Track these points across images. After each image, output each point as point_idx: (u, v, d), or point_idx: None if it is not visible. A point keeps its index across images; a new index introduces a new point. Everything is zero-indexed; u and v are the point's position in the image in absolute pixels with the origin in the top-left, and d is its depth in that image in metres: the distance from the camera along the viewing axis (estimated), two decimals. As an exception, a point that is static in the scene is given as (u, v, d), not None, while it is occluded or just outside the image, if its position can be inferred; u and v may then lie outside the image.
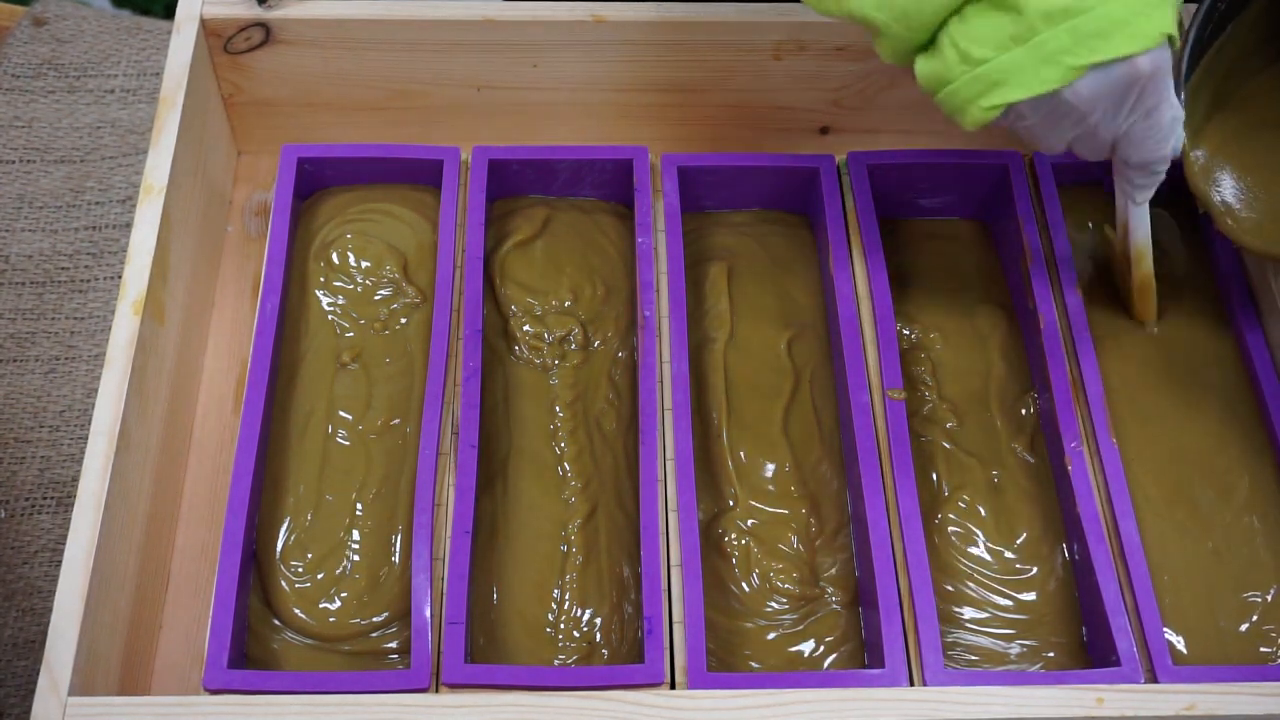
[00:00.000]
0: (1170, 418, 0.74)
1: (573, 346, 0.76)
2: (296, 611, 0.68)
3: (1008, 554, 0.70)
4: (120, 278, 0.78)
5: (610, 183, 0.81)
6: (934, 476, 0.72)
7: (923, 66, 0.62)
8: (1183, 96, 0.71)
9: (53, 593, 0.66)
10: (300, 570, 0.69)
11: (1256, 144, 0.73)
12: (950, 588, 0.69)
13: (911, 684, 0.64)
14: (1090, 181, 0.82)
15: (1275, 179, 0.73)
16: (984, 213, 0.82)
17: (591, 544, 0.70)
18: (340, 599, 0.68)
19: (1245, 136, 0.73)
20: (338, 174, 0.81)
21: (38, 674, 0.59)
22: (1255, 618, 0.68)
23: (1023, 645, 0.68)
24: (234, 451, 0.70)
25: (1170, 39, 0.59)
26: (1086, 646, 0.68)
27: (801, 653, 0.68)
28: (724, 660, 0.67)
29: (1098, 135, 0.63)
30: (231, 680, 0.63)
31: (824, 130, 0.85)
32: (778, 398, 0.75)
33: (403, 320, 0.76)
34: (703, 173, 0.80)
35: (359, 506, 0.71)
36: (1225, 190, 0.73)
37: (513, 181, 0.81)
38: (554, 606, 0.68)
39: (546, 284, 0.78)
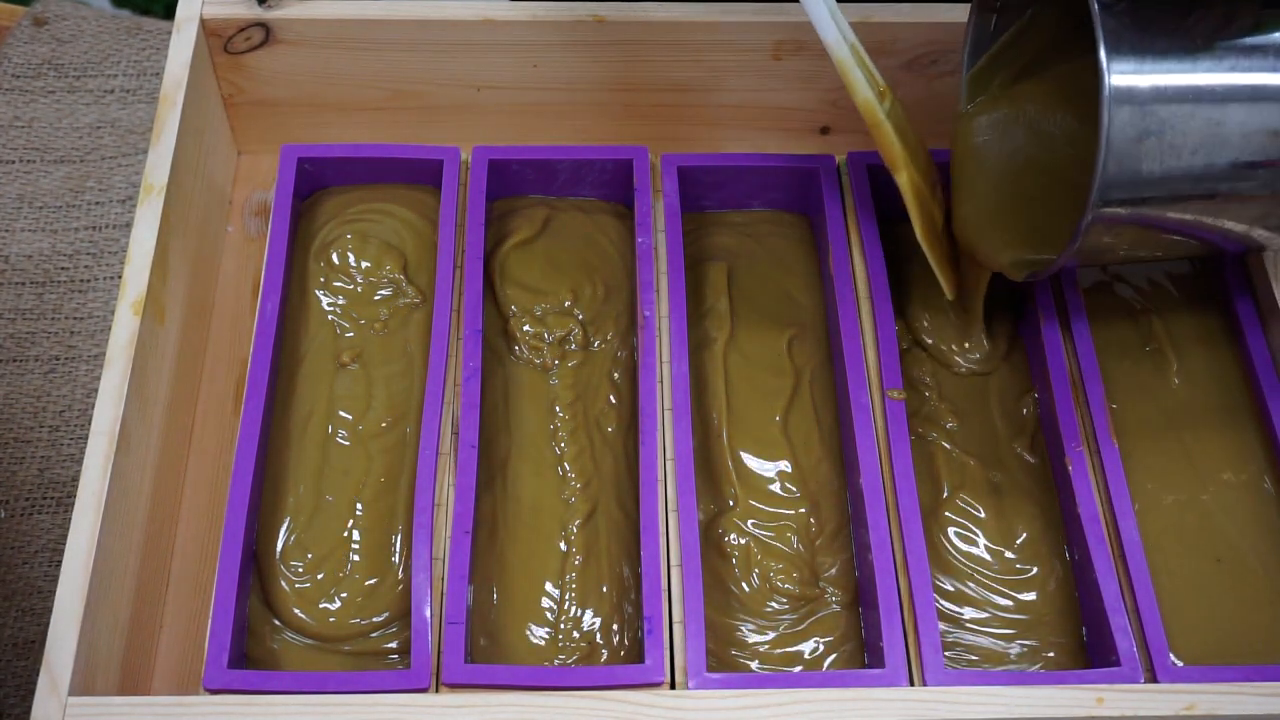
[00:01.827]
0: (1171, 419, 0.74)
1: (573, 346, 0.76)
2: (296, 611, 0.68)
3: (1008, 554, 0.70)
4: (120, 278, 0.78)
5: (610, 183, 0.81)
6: (934, 476, 0.72)
7: None
8: (962, 78, 0.72)
9: (53, 593, 0.66)
10: (300, 570, 0.69)
11: (1005, 141, 0.72)
12: (950, 588, 0.69)
13: (911, 684, 0.64)
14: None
15: (1001, 181, 0.72)
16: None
17: (591, 544, 0.70)
18: (340, 599, 0.68)
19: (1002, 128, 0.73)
20: (338, 174, 0.81)
21: (38, 674, 0.59)
22: (1255, 617, 0.68)
23: (1023, 645, 0.68)
24: (234, 451, 0.70)
25: None
26: (1086, 646, 0.68)
27: (801, 653, 0.68)
28: (724, 660, 0.67)
29: None
30: (231, 680, 0.63)
31: (824, 130, 0.85)
32: (778, 398, 0.75)
33: (403, 320, 0.77)
34: (703, 173, 0.80)
35: (359, 506, 0.71)
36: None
37: (513, 181, 0.81)
38: (554, 606, 0.68)
39: (546, 284, 0.78)
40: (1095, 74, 0.60)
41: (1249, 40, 0.62)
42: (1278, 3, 0.63)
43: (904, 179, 0.70)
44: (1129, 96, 0.60)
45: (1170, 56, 0.61)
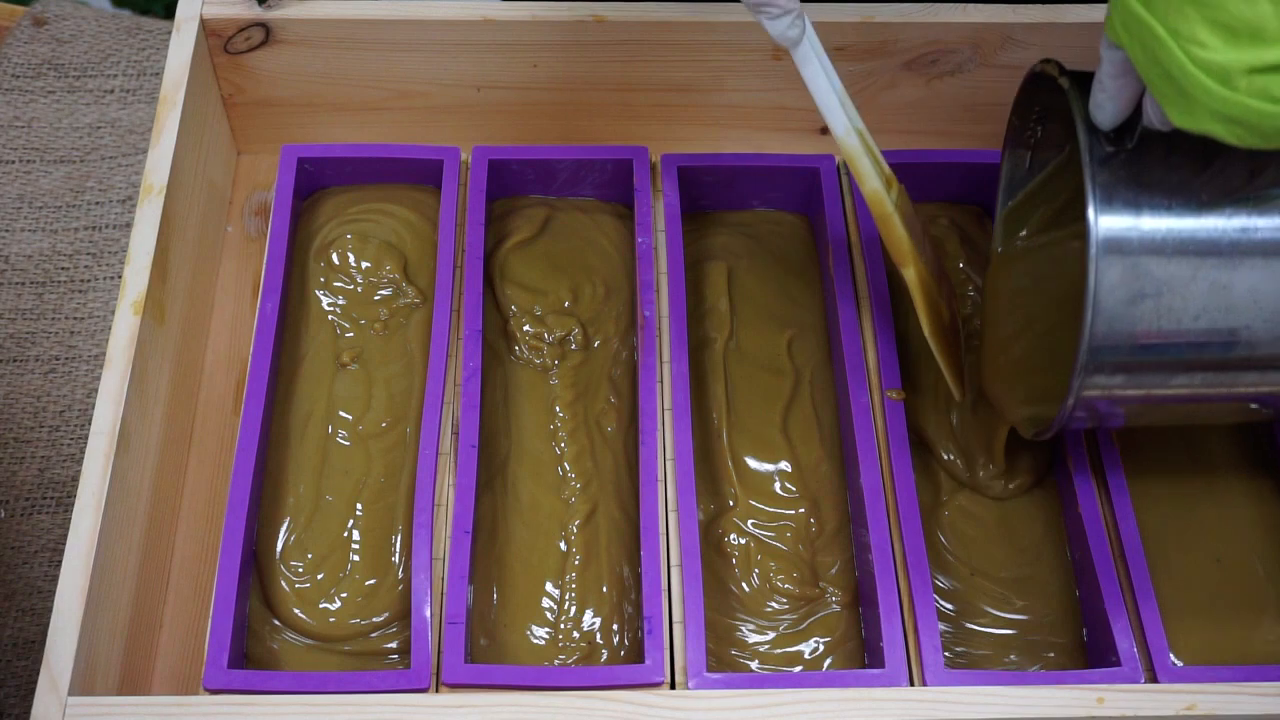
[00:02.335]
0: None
1: (573, 346, 0.76)
2: (296, 612, 0.68)
3: (1008, 554, 0.70)
4: (120, 278, 0.78)
5: (610, 183, 0.81)
6: (934, 476, 0.72)
7: None
8: (997, 215, 0.68)
9: (53, 593, 0.66)
10: (300, 570, 0.69)
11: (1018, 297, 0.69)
12: (950, 587, 0.69)
13: (911, 684, 0.64)
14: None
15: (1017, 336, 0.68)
16: (987, 209, 0.82)
17: (591, 544, 0.70)
18: (340, 599, 0.68)
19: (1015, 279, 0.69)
20: (338, 174, 0.81)
21: (38, 674, 0.59)
22: (1255, 618, 0.68)
23: (1023, 645, 0.68)
24: (234, 451, 0.70)
25: None
26: (1086, 646, 0.68)
27: (801, 653, 0.68)
28: (724, 660, 0.67)
29: None
30: (231, 680, 0.63)
31: (824, 130, 0.85)
32: (778, 398, 0.75)
33: (403, 321, 0.76)
34: (703, 173, 0.80)
35: (359, 506, 0.71)
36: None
37: (513, 181, 0.81)
38: (554, 606, 0.68)
39: (546, 284, 0.78)
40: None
41: (1262, 197, 0.57)
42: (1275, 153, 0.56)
43: (911, 274, 0.68)
44: (1120, 249, 0.56)
45: (1170, 212, 0.56)
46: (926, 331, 0.68)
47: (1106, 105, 0.57)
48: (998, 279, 0.70)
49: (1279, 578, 0.70)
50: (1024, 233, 0.68)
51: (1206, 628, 0.68)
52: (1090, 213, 0.56)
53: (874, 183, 0.67)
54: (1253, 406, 0.62)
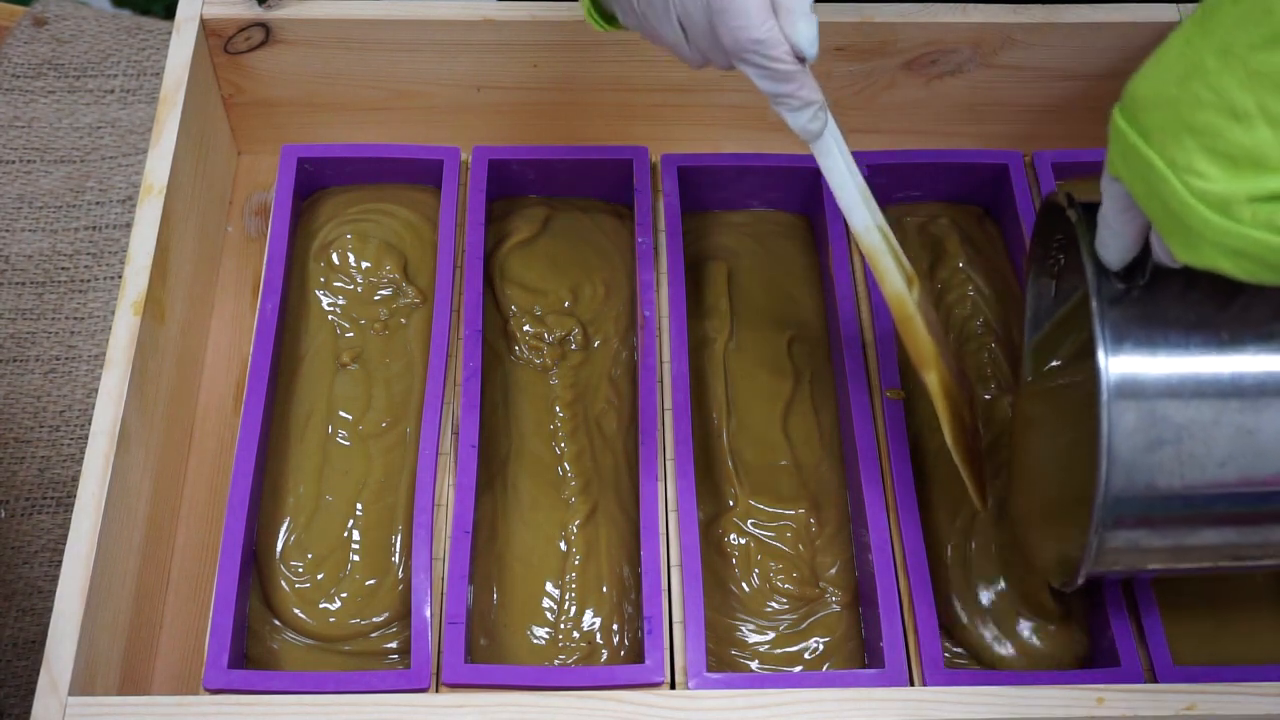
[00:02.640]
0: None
1: (573, 346, 0.76)
2: (296, 612, 0.68)
3: (1009, 555, 0.70)
4: (120, 278, 0.78)
5: (610, 183, 0.81)
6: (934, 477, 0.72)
7: None
8: (1025, 349, 0.65)
9: (53, 593, 0.66)
10: (300, 570, 0.69)
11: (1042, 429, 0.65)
12: (950, 588, 0.69)
13: (911, 684, 0.64)
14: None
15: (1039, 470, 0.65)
16: (987, 209, 0.82)
17: (591, 544, 0.70)
18: (340, 599, 0.68)
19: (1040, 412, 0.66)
20: (338, 174, 0.81)
21: (38, 674, 0.59)
22: (1255, 618, 0.68)
23: (1022, 645, 0.68)
24: (234, 451, 0.70)
25: None
26: (1086, 647, 0.68)
27: (801, 653, 0.68)
28: (724, 660, 0.67)
29: (686, 7, 0.55)
30: (231, 680, 0.63)
31: (824, 130, 0.85)
32: (778, 398, 0.74)
33: (403, 320, 0.76)
34: (703, 173, 0.80)
35: (359, 507, 0.71)
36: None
37: (513, 181, 0.81)
38: (554, 606, 0.68)
39: (546, 284, 0.78)
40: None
41: (1277, 328, 0.53)
42: None
43: (934, 379, 0.64)
44: (1134, 393, 0.52)
45: (1187, 351, 0.53)
46: (949, 439, 0.65)
47: (1112, 243, 0.54)
48: (1027, 411, 0.67)
49: (1279, 577, 0.69)
50: (1052, 364, 0.65)
51: (1206, 628, 0.68)
52: (1100, 354, 0.53)
53: (897, 284, 0.63)
54: None
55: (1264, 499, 0.54)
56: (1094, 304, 0.54)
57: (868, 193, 0.62)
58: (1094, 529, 0.54)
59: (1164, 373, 0.53)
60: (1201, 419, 0.53)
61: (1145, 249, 0.54)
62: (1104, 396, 0.53)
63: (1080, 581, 0.58)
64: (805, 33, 0.55)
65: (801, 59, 0.56)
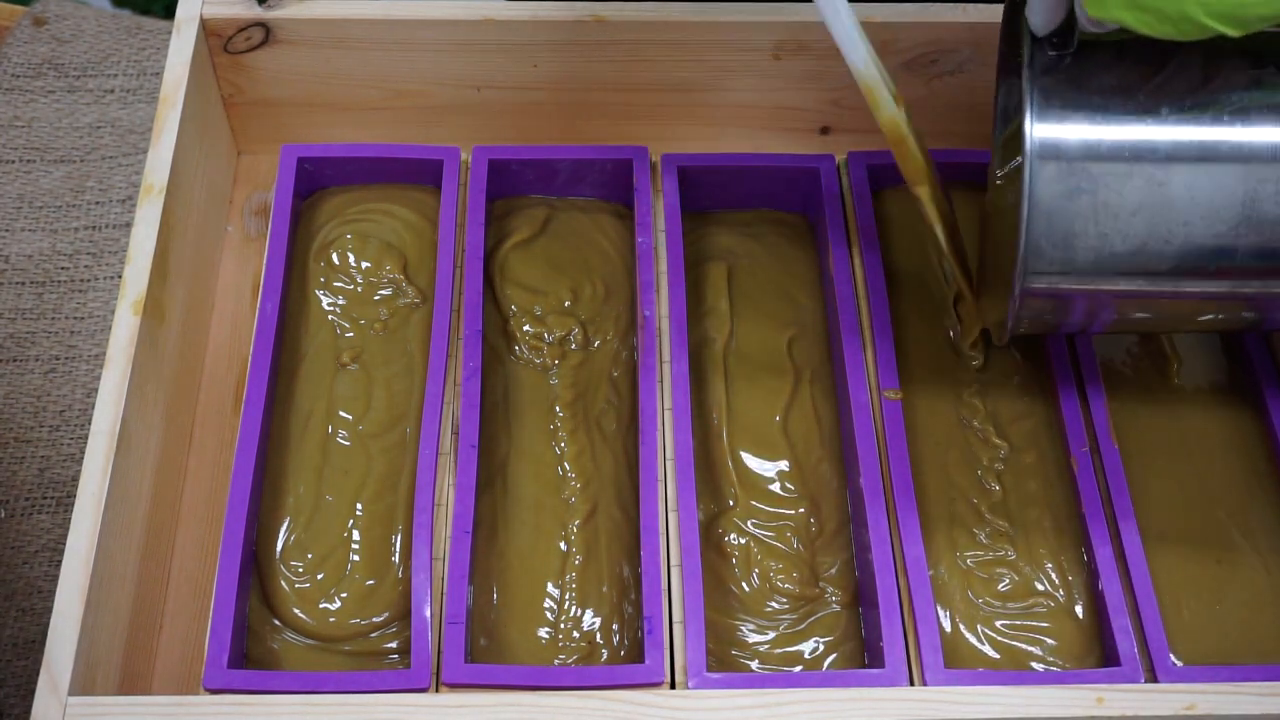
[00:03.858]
0: (1171, 419, 0.74)
1: (573, 346, 0.76)
2: (296, 611, 0.68)
3: (1009, 555, 0.70)
4: (120, 278, 0.78)
5: (610, 183, 0.81)
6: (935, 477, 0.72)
7: None
8: (994, 144, 0.70)
9: (53, 593, 0.66)
10: (300, 570, 0.69)
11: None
12: (950, 588, 0.69)
13: (911, 684, 0.64)
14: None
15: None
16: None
17: (591, 544, 0.70)
18: (340, 599, 0.68)
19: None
20: (338, 174, 0.81)
21: (38, 674, 0.59)
22: (1255, 617, 0.68)
23: (1024, 645, 0.68)
24: (234, 451, 0.70)
25: None
26: (1086, 646, 0.68)
27: (801, 653, 0.68)
28: (724, 660, 0.67)
29: None
30: (231, 680, 0.63)
31: (824, 130, 0.85)
32: (778, 398, 0.75)
33: (403, 320, 0.76)
34: (703, 173, 0.80)
35: (359, 506, 0.71)
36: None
37: (513, 181, 0.81)
38: (554, 606, 0.68)
39: (546, 284, 0.78)
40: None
41: (1198, 96, 0.59)
42: (1232, 59, 0.60)
43: (925, 191, 0.69)
44: (1055, 150, 0.58)
45: (1106, 113, 0.59)
46: (943, 241, 0.70)
47: (1037, 6, 0.59)
48: (994, 202, 0.71)
49: (1279, 577, 0.70)
50: (1012, 158, 0.70)
51: (1206, 628, 0.68)
52: (1026, 115, 0.59)
53: (891, 109, 0.66)
54: (1205, 315, 0.64)
55: (1168, 245, 0.59)
56: (1025, 68, 0.60)
57: (859, 27, 0.65)
58: (1018, 268, 0.60)
59: (1082, 132, 0.59)
60: (1116, 171, 0.59)
61: (1071, 16, 0.59)
62: (1028, 146, 0.59)
63: (1011, 328, 0.63)
64: None
65: None
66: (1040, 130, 0.59)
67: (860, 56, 0.65)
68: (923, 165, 0.68)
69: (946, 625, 0.68)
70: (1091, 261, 0.60)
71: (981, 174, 0.80)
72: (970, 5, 0.79)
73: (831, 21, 0.64)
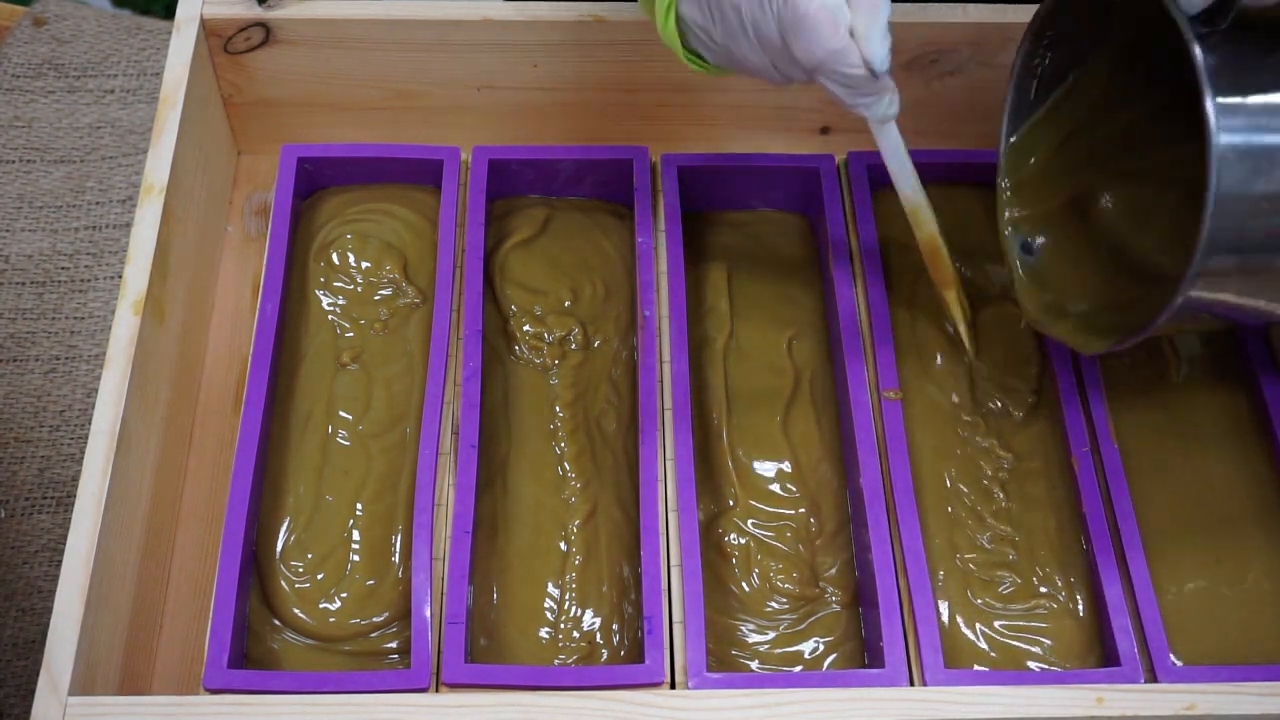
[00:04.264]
0: (1171, 419, 0.74)
1: (573, 346, 0.76)
2: (296, 611, 0.68)
3: (1010, 556, 0.70)
4: (120, 278, 0.78)
5: (610, 183, 0.81)
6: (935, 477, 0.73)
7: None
8: (1002, 148, 0.69)
9: (53, 593, 0.66)
10: (300, 570, 0.69)
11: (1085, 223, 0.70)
12: (951, 588, 0.69)
13: (911, 684, 0.64)
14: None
15: (1089, 264, 0.69)
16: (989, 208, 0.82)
17: (591, 544, 0.70)
18: (340, 599, 0.68)
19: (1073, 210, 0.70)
20: (338, 174, 0.81)
21: (38, 674, 0.59)
22: (1255, 618, 0.68)
23: (1023, 645, 0.68)
24: (234, 451, 0.70)
25: None
26: (1086, 646, 0.68)
27: (801, 653, 0.68)
28: (724, 660, 0.67)
29: (762, 30, 0.59)
30: (231, 680, 0.63)
31: (824, 130, 0.85)
32: (778, 398, 0.75)
33: (403, 320, 0.76)
34: (703, 173, 0.80)
35: (359, 506, 0.71)
36: (1033, 251, 0.70)
37: (513, 181, 0.81)
38: (554, 606, 0.68)
39: (546, 284, 0.78)
40: (1175, 125, 0.56)
41: None
42: None
43: (952, 295, 0.73)
44: (1238, 135, 0.55)
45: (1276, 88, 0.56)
46: (964, 335, 0.74)
47: None
48: (1034, 204, 0.70)
49: (1279, 577, 0.70)
50: (1039, 158, 0.70)
51: (1206, 628, 0.68)
52: (1206, 92, 0.55)
53: (931, 226, 0.71)
54: None
55: None
56: (1189, 42, 0.56)
57: (910, 158, 0.68)
58: (1198, 252, 0.56)
59: (1257, 105, 0.56)
60: None
61: None
62: (1212, 130, 0.55)
63: (1165, 321, 0.59)
64: (878, 50, 0.59)
65: (874, 72, 0.59)
66: (1224, 115, 0.55)
67: (910, 184, 0.69)
68: (953, 273, 0.72)
69: (946, 625, 0.68)
70: (1266, 253, 0.58)
71: (981, 173, 0.80)
72: (970, 5, 0.79)
73: (889, 156, 0.67)
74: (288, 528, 0.70)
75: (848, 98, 0.61)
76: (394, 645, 0.67)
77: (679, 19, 0.62)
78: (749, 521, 0.71)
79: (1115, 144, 0.68)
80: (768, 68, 0.61)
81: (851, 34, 0.58)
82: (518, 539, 0.70)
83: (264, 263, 0.76)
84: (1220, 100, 0.55)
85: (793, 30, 0.58)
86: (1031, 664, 0.67)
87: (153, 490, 0.69)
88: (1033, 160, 0.70)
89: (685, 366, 0.72)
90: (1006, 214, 0.71)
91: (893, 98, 0.62)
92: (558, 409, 0.74)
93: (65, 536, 0.68)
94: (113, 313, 0.72)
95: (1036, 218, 0.70)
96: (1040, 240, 0.70)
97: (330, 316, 0.77)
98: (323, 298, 0.77)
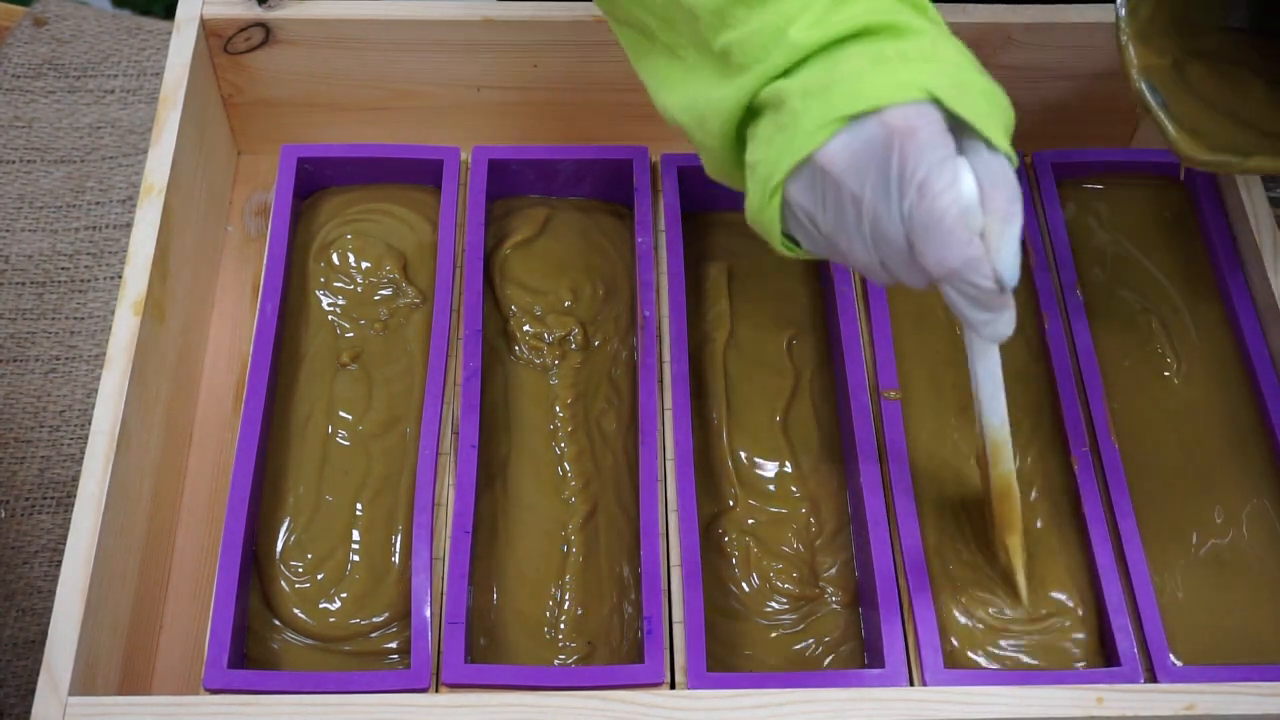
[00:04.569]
0: (1171, 419, 0.74)
1: (573, 346, 0.76)
2: (296, 611, 0.68)
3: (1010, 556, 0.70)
4: (120, 278, 0.78)
5: (610, 183, 0.81)
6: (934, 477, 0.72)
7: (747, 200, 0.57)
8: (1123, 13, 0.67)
9: (53, 593, 0.66)
10: (300, 570, 0.69)
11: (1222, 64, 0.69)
12: (950, 588, 0.69)
13: (911, 684, 0.64)
14: (1072, 179, 0.82)
15: (1239, 88, 0.68)
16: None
17: (591, 544, 0.70)
18: (340, 599, 0.68)
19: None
20: (338, 174, 0.81)
21: (38, 674, 0.59)
22: (1255, 617, 0.68)
23: (1022, 645, 0.68)
24: (234, 451, 0.70)
25: (935, 99, 0.52)
26: (1086, 646, 0.68)
27: (801, 653, 0.68)
28: (724, 660, 0.67)
29: (883, 228, 0.53)
30: (231, 680, 0.63)
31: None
32: (778, 398, 0.75)
33: (403, 321, 0.77)
34: (703, 173, 0.79)
35: (359, 506, 0.71)
36: (1169, 93, 0.68)
37: (513, 181, 0.81)
38: (554, 606, 0.68)
39: (546, 284, 0.78)
40: None
41: None
42: None
43: (1017, 542, 0.67)
44: None
45: None
46: (1023, 587, 0.67)
47: None
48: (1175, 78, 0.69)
49: (1279, 577, 0.70)
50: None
51: (1206, 628, 0.68)
52: None
53: (1010, 464, 0.65)
54: None
55: None
56: None
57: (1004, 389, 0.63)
58: None
59: None
60: None
61: None
62: None
63: None
64: (1010, 263, 0.53)
65: (1002, 286, 0.54)
66: None
67: (1001, 415, 0.63)
68: (1020, 518, 0.66)
69: (946, 625, 0.68)
70: None
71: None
72: (970, 5, 0.79)
73: (986, 380, 0.62)
74: (288, 528, 0.70)
75: (968, 310, 0.55)
76: (394, 645, 0.67)
77: (783, 202, 0.56)
78: (749, 521, 0.71)
79: None
80: (874, 266, 0.55)
81: (982, 236, 0.53)
82: (518, 539, 0.70)
83: (264, 263, 0.76)
84: None
85: (924, 235, 0.52)
86: (1031, 663, 0.67)
87: (153, 490, 0.69)
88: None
89: (685, 366, 0.72)
90: (1136, 61, 0.68)
91: (1011, 316, 0.56)
92: (558, 409, 0.74)
93: (65, 536, 0.68)
94: (113, 313, 0.72)
95: (1166, 65, 0.68)
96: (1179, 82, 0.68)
97: (330, 316, 0.77)
98: (323, 298, 0.77)
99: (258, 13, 0.78)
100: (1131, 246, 0.80)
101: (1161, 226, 0.81)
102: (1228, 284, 0.77)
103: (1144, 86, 0.68)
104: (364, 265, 0.78)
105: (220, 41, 0.79)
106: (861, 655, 0.68)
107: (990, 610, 0.68)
